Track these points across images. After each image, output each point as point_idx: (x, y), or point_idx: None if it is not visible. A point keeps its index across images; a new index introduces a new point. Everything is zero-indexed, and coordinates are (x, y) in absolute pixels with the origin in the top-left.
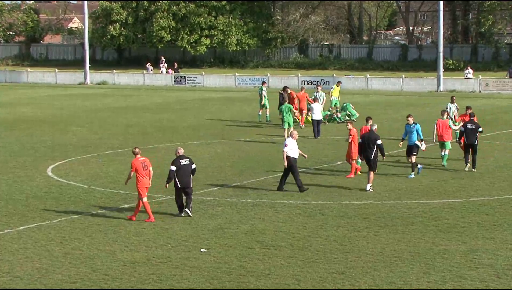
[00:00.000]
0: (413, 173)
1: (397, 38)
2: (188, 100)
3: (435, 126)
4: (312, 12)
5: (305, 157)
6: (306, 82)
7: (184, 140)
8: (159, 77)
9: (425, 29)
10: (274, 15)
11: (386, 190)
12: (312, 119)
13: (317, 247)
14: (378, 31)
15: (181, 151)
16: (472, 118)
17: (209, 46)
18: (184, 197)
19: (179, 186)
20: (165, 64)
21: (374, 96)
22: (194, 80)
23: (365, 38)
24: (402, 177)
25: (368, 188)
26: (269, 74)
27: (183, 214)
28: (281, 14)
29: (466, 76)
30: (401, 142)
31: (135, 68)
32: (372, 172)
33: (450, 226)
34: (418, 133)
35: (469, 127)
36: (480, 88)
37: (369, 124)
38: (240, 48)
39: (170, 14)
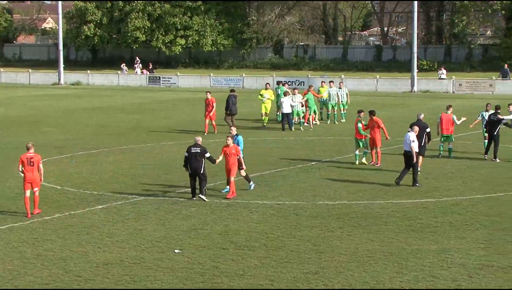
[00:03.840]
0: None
1: (371, 39)
2: (163, 100)
3: (439, 120)
4: (287, 13)
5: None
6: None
7: (159, 141)
8: (134, 77)
9: (400, 30)
10: (249, 15)
11: (359, 190)
12: (282, 113)
13: (290, 247)
14: (353, 32)
15: (198, 139)
16: (498, 111)
17: (184, 46)
18: (198, 182)
19: (190, 171)
20: (140, 65)
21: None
22: (169, 81)
23: (340, 38)
24: (376, 176)
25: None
26: (244, 75)
27: (195, 198)
28: (256, 14)
29: (440, 76)
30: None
31: (110, 68)
32: (421, 157)
33: (423, 226)
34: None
35: (492, 118)
36: (454, 88)
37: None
38: (215, 49)
39: (145, 15)
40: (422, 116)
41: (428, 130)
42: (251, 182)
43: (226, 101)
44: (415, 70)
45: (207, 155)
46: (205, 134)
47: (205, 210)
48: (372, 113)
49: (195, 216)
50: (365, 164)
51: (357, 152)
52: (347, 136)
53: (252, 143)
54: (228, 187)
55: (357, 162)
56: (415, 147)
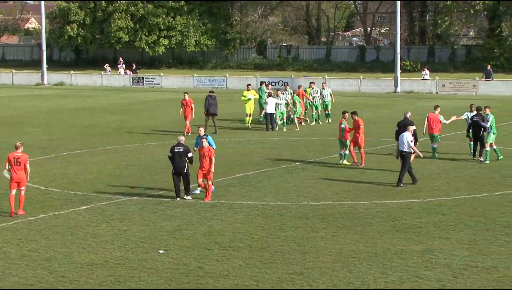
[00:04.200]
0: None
1: (355, 39)
2: (147, 101)
3: (426, 119)
4: (271, 13)
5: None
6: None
7: (143, 141)
8: (117, 78)
9: (383, 31)
10: (232, 16)
11: (344, 190)
12: (265, 112)
13: (275, 248)
14: (336, 32)
15: (180, 139)
16: (480, 112)
17: (168, 46)
18: (182, 182)
19: (173, 171)
20: (123, 65)
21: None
22: (152, 81)
23: (323, 39)
24: (360, 176)
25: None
26: (227, 75)
27: (178, 199)
28: (239, 15)
29: (423, 77)
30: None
31: (93, 69)
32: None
33: (407, 226)
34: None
35: (475, 120)
36: (437, 89)
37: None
38: (199, 49)
39: (128, 15)
40: (409, 115)
41: (413, 127)
42: (199, 188)
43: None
44: (399, 70)
45: (190, 154)
46: (189, 134)
47: (190, 211)
48: (354, 113)
49: (180, 216)
50: (346, 164)
51: (341, 152)
52: (332, 136)
53: (237, 144)
54: (198, 189)
55: (341, 162)
56: (413, 145)
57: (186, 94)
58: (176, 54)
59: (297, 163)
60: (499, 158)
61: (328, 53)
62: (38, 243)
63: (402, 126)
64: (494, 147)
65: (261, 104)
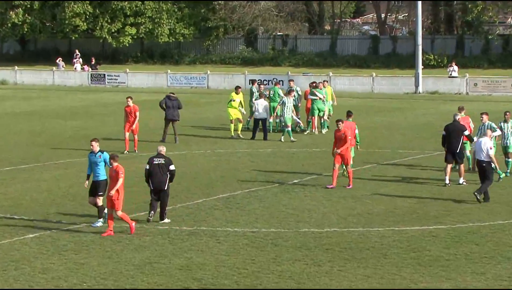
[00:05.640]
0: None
1: (366, 27)
2: (109, 103)
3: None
4: None
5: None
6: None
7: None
8: (73, 75)
9: (400, 17)
10: None
11: (352, 214)
12: (254, 118)
13: (268, 285)
14: (343, 20)
15: (160, 149)
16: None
17: (135, 36)
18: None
19: (151, 188)
20: (80, 60)
21: (338, 98)
22: (116, 79)
23: (327, 27)
24: (373, 197)
25: (461, 181)
26: (209, 72)
27: (150, 217)
28: None
29: (451, 74)
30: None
31: (43, 64)
32: (462, 165)
33: (432, 259)
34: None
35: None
36: (468, 89)
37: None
38: (174, 40)
39: None
40: (458, 117)
41: (466, 132)
42: (101, 219)
43: (160, 105)
44: (420, 66)
45: (171, 167)
46: (125, 152)
47: (163, 240)
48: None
49: (150, 246)
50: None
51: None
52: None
53: (220, 157)
54: (100, 220)
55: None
56: (492, 154)
57: (129, 99)
58: (146, 45)
59: (295, 181)
60: None
61: (333, 44)
62: None
63: (452, 131)
64: None
65: (251, 107)
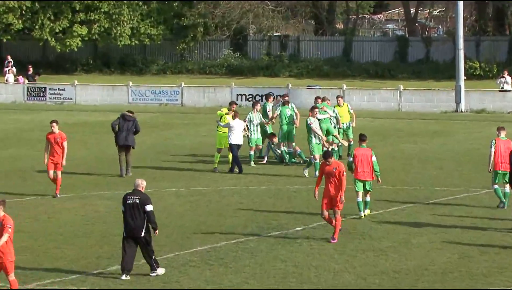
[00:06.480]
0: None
1: (390, 26)
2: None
3: (493, 149)
4: None
5: None
6: (244, 96)
7: (46, 191)
8: (4, 88)
9: (435, 13)
10: None
11: (375, 272)
12: (229, 143)
13: None
14: (361, 16)
15: (138, 183)
16: None
17: (87, 38)
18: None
19: (124, 234)
20: (14, 68)
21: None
22: (61, 94)
23: (340, 26)
24: (401, 249)
25: None
26: (183, 84)
27: (124, 277)
28: None
29: (502, 86)
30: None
31: None
32: None
33: None
34: None
35: None
36: None
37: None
38: (137, 42)
39: None
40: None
41: None
42: None
43: (112, 127)
44: (462, 76)
45: (148, 208)
46: (56, 195)
47: None
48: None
49: None
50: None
51: (359, 198)
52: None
53: (199, 196)
54: None
55: (361, 214)
56: None
57: (54, 125)
58: (101, 50)
59: (298, 229)
60: None
61: (347, 48)
62: None
63: None
64: None
65: (264, 131)
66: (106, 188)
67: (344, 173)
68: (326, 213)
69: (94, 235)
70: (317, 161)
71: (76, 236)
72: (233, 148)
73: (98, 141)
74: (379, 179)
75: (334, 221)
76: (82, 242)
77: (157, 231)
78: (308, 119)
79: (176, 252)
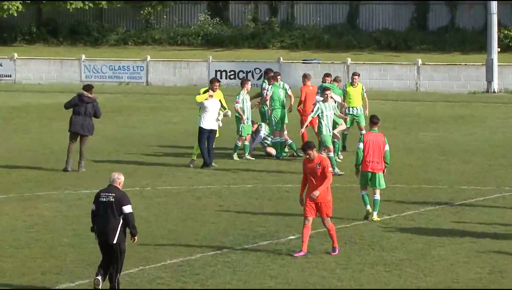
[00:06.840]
0: None
1: None
2: None
3: None
4: None
5: None
6: (225, 72)
7: None
8: None
9: None
10: None
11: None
12: (199, 127)
13: None
14: None
15: (114, 177)
16: None
17: (28, 1)
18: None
19: (96, 238)
20: None
21: None
22: None
23: None
24: (418, 262)
25: None
26: (149, 58)
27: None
28: None
29: None
30: None
31: None
32: None
33: None
34: None
35: None
36: None
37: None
38: (92, 6)
39: None
40: None
41: None
42: None
43: (65, 106)
44: (495, 48)
45: (127, 209)
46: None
47: None
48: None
49: None
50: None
51: (363, 191)
52: (352, 181)
53: (168, 197)
54: None
55: (368, 208)
56: None
57: None
58: (46, 16)
59: (291, 237)
60: None
61: (352, 13)
62: None
63: None
64: None
65: (263, 114)
66: (53, 187)
67: (330, 169)
68: (309, 221)
69: (38, 246)
70: (332, 154)
71: (17, 247)
72: (203, 133)
73: (43, 129)
74: (385, 172)
75: (329, 232)
76: (24, 254)
77: (136, 238)
78: (318, 104)
79: (141, 266)
